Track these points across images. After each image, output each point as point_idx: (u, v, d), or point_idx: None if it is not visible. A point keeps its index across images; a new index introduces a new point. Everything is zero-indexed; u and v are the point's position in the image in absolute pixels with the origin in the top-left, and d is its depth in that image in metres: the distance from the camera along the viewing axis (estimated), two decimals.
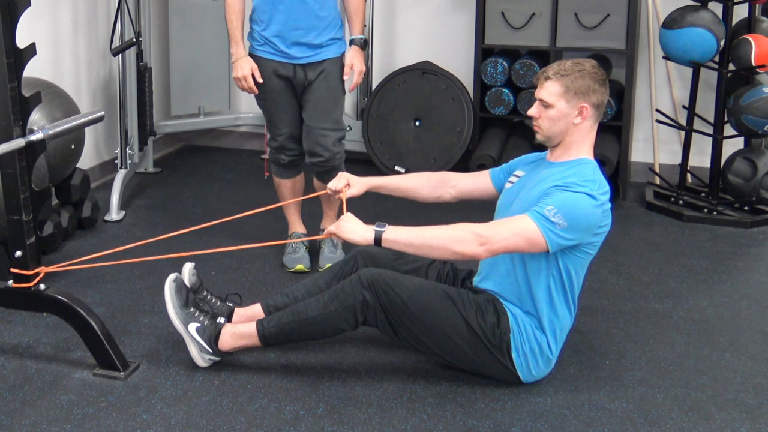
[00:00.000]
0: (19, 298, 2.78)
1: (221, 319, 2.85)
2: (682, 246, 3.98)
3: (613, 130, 4.59)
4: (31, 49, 2.68)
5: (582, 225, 2.51)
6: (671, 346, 2.99)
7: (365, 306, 2.61)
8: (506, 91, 4.66)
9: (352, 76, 3.50)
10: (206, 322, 2.77)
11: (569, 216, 2.47)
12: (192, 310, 2.79)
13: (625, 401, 2.63)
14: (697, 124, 4.51)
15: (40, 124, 3.29)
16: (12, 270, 2.73)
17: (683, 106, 4.63)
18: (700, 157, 4.68)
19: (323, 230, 3.68)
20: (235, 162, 5.38)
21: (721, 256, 3.86)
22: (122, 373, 2.72)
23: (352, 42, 3.53)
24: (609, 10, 4.45)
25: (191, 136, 5.76)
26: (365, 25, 3.74)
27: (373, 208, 4.01)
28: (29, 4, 2.66)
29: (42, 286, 2.75)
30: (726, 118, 4.33)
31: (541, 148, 2.81)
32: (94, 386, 2.68)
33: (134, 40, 4.45)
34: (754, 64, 4.13)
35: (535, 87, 2.67)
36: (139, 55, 4.57)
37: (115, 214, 4.28)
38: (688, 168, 4.53)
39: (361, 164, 4.96)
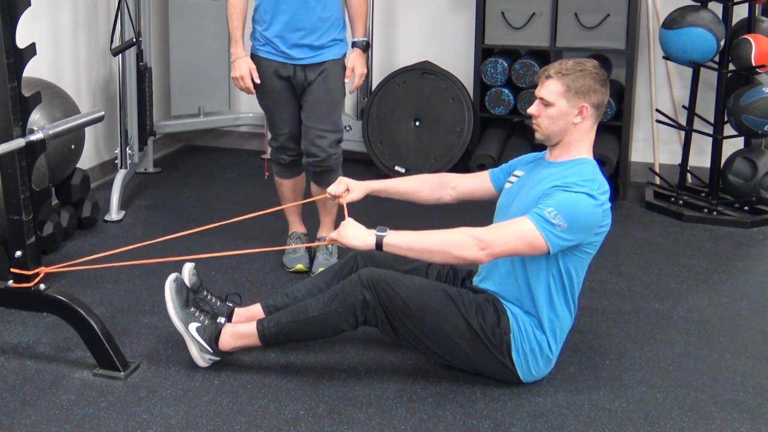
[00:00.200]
0: (19, 298, 2.78)
1: (221, 319, 2.85)
2: (682, 246, 3.98)
3: (613, 130, 4.59)
4: (31, 49, 2.68)
5: (582, 225, 2.51)
6: (671, 346, 2.99)
7: (365, 306, 2.61)
8: (506, 91, 4.66)
9: (353, 79, 3.50)
10: (206, 322, 2.77)
11: (569, 216, 2.47)
12: (192, 310, 2.79)
13: (625, 401, 2.63)
14: (697, 124, 4.50)
15: (40, 124, 3.28)
16: (12, 270, 2.73)
17: (683, 106, 4.63)
18: (700, 157, 4.68)
19: (320, 239, 3.67)
20: (235, 162, 5.38)
21: (721, 256, 3.86)
22: (122, 373, 2.72)
23: (354, 44, 3.53)
24: (609, 10, 4.45)
25: (191, 136, 5.76)
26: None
27: (374, 209, 4.00)
28: (29, 4, 2.66)
29: (42, 286, 2.75)
30: (726, 118, 4.32)
31: (540, 147, 2.81)
32: (94, 386, 2.68)
33: (134, 40, 4.45)
34: (754, 64, 4.13)
35: (535, 86, 2.67)
36: (139, 55, 4.57)
37: (115, 214, 4.28)
38: (688, 168, 4.53)
39: (361, 164, 4.96)
